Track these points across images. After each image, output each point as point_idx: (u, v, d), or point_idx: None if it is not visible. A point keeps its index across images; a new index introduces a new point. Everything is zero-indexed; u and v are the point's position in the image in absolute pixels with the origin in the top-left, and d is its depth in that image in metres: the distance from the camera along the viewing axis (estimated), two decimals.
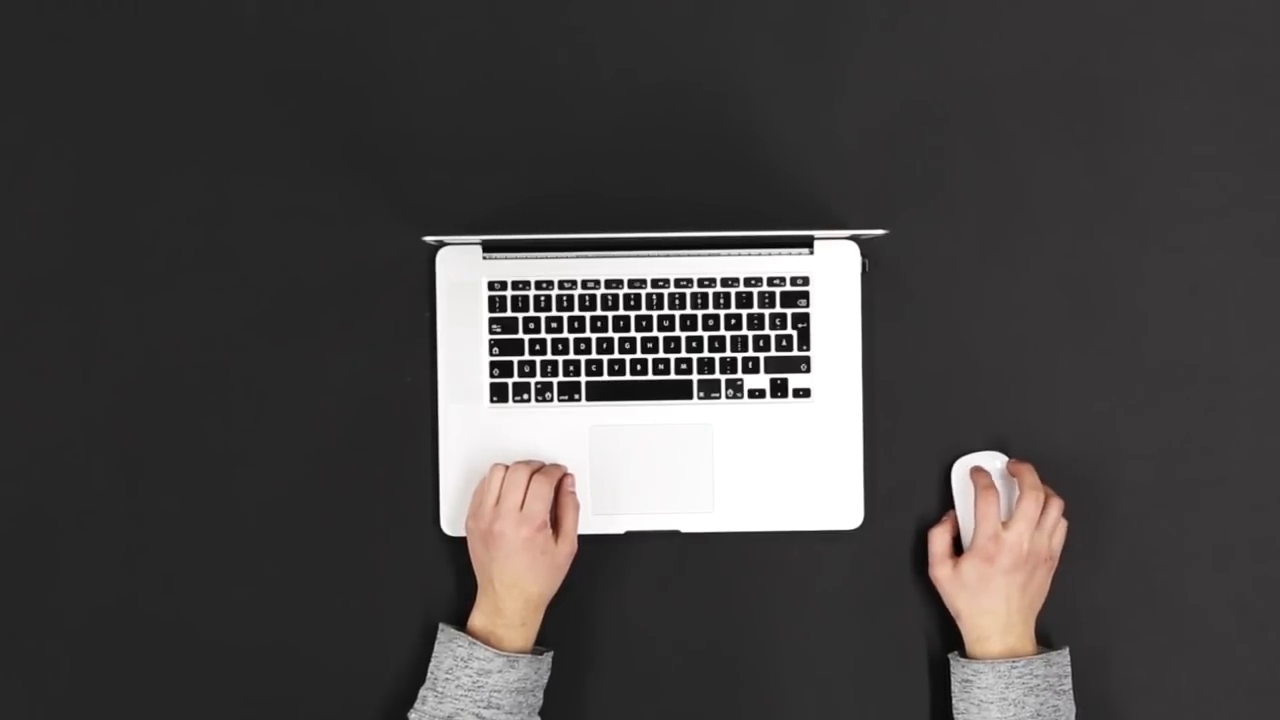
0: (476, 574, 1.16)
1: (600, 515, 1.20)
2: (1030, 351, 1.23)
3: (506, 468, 1.15)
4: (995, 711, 1.12)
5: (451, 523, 1.21)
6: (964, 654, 1.17)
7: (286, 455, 1.22)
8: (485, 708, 1.10)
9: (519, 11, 1.24)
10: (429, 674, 1.14)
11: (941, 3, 1.24)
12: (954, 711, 1.16)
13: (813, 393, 1.22)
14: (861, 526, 1.22)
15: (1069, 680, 1.16)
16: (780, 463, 1.21)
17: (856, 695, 1.22)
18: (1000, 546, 1.14)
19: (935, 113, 1.24)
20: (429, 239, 1.17)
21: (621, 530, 1.21)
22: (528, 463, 1.17)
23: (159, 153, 1.23)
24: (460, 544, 1.20)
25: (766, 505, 1.22)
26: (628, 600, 1.23)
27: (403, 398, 1.22)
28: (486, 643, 1.12)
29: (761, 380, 1.22)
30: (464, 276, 1.21)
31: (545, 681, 1.15)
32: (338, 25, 1.24)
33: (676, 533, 1.22)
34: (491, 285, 1.22)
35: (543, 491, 1.14)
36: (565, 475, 1.19)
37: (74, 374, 1.22)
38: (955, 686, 1.16)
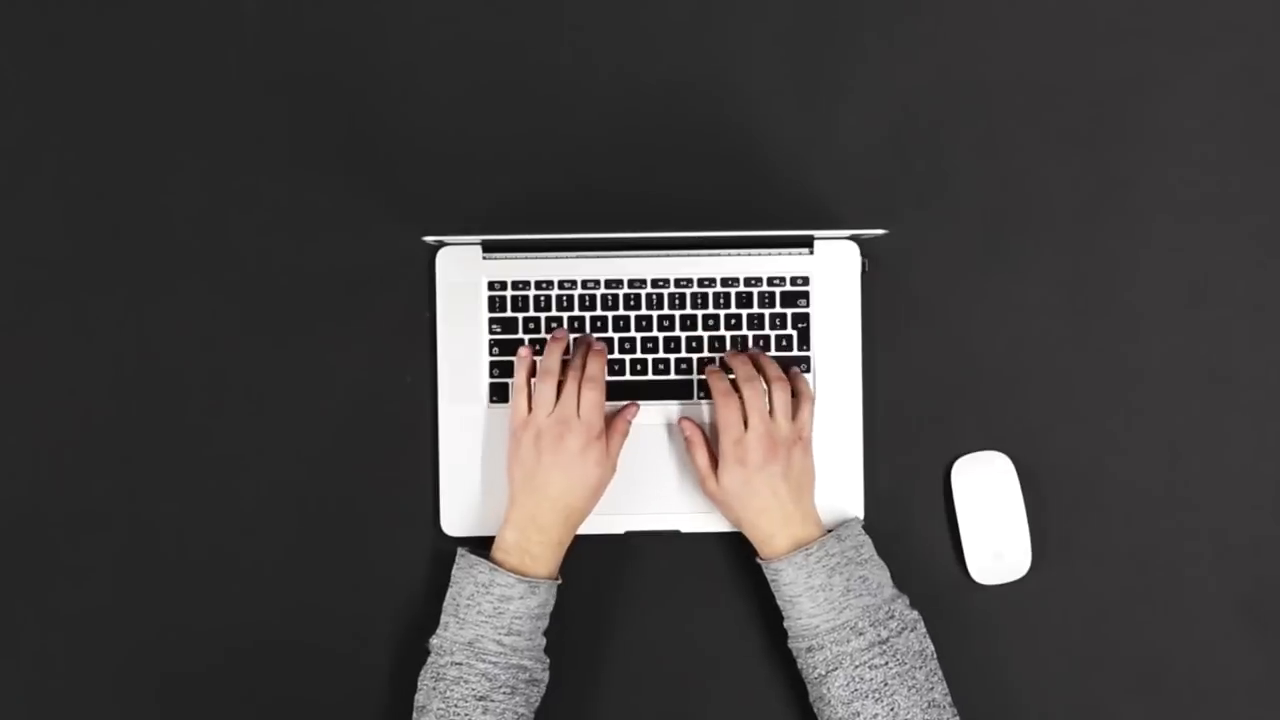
0: (514, 483, 1.14)
1: (600, 515, 1.20)
2: (1030, 351, 1.23)
3: (558, 372, 1.14)
4: (807, 602, 1.11)
5: (452, 523, 1.21)
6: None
7: (286, 455, 1.22)
8: (506, 634, 1.10)
9: (518, 11, 1.24)
10: (449, 598, 1.13)
11: (942, 3, 1.24)
12: (780, 609, 1.15)
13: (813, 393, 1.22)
14: (861, 526, 1.21)
15: (869, 548, 1.15)
16: None
17: None
18: (745, 448, 1.13)
19: (935, 113, 1.24)
20: (429, 239, 1.17)
21: (621, 530, 1.21)
22: (574, 362, 1.16)
23: (159, 153, 1.23)
24: (461, 544, 1.20)
25: None
26: (628, 600, 1.23)
27: (403, 398, 1.22)
28: (518, 563, 1.12)
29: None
30: (464, 276, 1.21)
31: (554, 604, 1.15)
32: (337, 25, 1.24)
33: (676, 533, 1.22)
34: (491, 285, 1.22)
35: (599, 400, 1.14)
36: (631, 405, 1.18)
37: (74, 374, 1.22)
38: (774, 590, 1.15)
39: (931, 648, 1.12)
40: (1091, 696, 1.22)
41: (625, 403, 1.19)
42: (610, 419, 1.17)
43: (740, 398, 1.15)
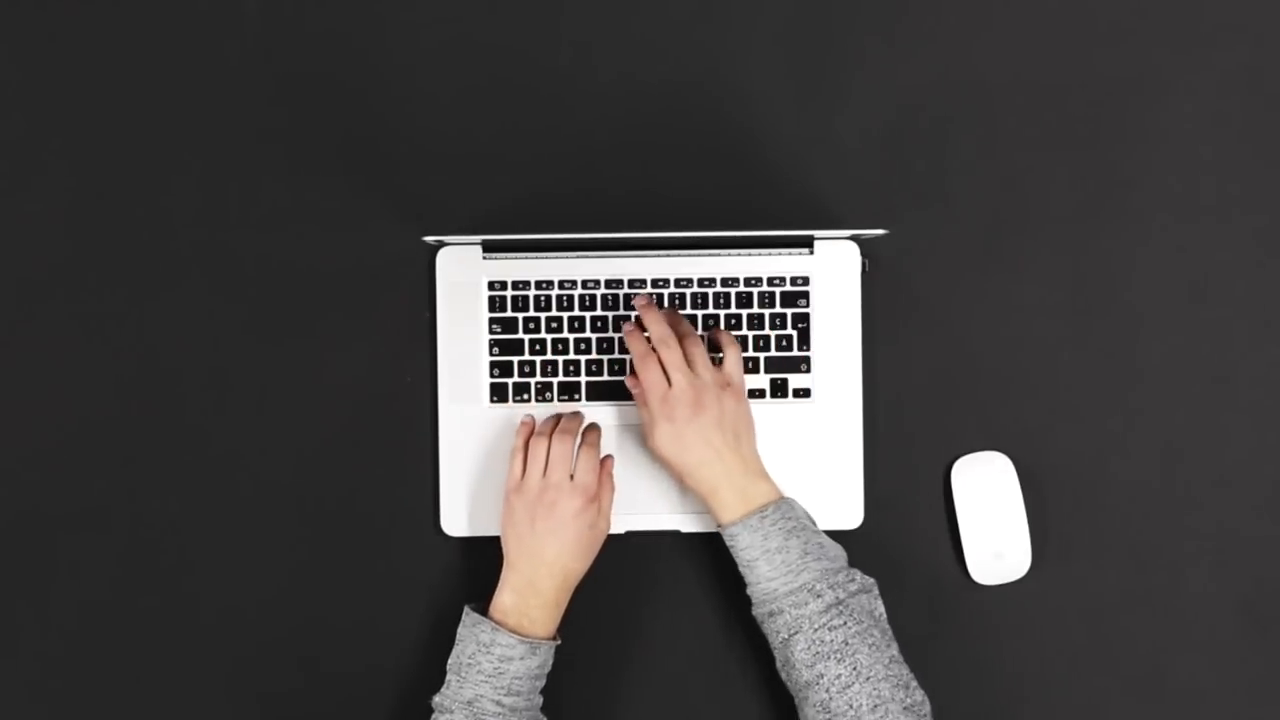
0: (510, 548, 1.14)
1: None
2: (1030, 351, 1.23)
3: (547, 436, 1.14)
4: (765, 565, 1.11)
5: (452, 523, 1.21)
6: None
7: (286, 455, 1.22)
8: (506, 694, 1.10)
9: (518, 12, 1.24)
10: (453, 656, 1.13)
11: (941, 3, 1.24)
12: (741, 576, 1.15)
13: (813, 393, 1.22)
14: (861, 526, 1.22)
15: (811, 519, 1.14)
16: (780, 463, 1.21)
17: None
18: (670, 404, 1.12)
19: (935, 113, 1.24)
20: (429, 239, 1.17)
21: (621, 530, 1.21)
22: (562, 429, 1.15)
23: (159, 153, 1.23)
24: (460, 544, 1.20)
25: None
26: (628, 600, 1.23)
27: (403, 398, 1.22)
28: (516, 625, 1.12)
29: (761, 380, 1.22)
30: (464, 276, 1.21)
31: (551, 665, 1.15)
32: (338, 25, 1.24)
33: (676, 533, 1.22)
34: (491, 285, 1.22)
35: (594, 463, 1.14)
36: (607, 458, 1.18)
37: (74, 374, 1.22)
38: (735, 557, 1.14)
39: (884, 612, 1.12)
40: (1091, 696, 1.22)
41: (596, 437, 1.18)
42: (599, 477, 1.16)
43: (659, 356, 1.14)
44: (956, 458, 1.23)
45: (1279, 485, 1.23)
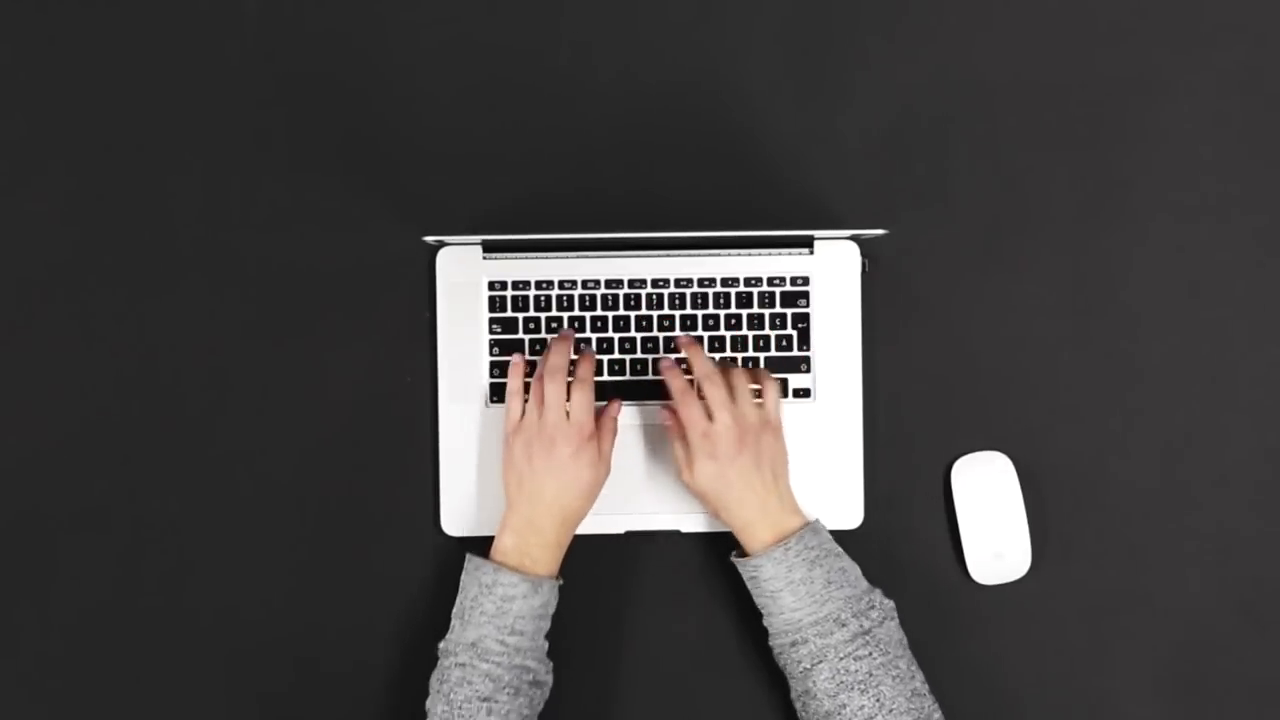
0: (510, 490, 1.15)
1: (600, 515, 1.20)
2: (1030, 351, 1.23)
3: (547, 377, 1.13)
4: (789, 596, 1.11)
5: (452, 523, 1.21)
6: (741, 553, 1.16)
7: (286, 455, 1.22)
8: (509, 634, 1.10)
9: (518, 12, 1.24)
10: (457, 602, 1.13)
11: (941, 3, 1.24)
12: (758, 608, 1.15)
13: (813, 393, 1.22)
14: (861, 526, 1.22)
15: (834, 541, 1.15)
16: None
17: None
18: (713, 441, 1.13)
19: (935, 113, 1.24)
20: (429, 239, 1.17)
21: (621, 530, 1.21)
22: (552, 368, 1.14)
23: (159, 153, 1.23)
24: (460, 544, 1.20)
25: None
26: (628, 600, 1.23)
27: (403, 398, 1.22)
28: (518, 565, 1.12)
29: None
30: (464, 276, 1.21)
31: (555, 606, 1.15)
32: (338, 25, 1.24)
33: (676, 533, 1.22)
34: (491, 285, 1.22)
35: (588, 402, 1.13)
36: (614, 401, 1.18)
37: (74, 374, 1.22)
38: (748, 586, 1.15)
39: (904, 636, 1.12)
40: (1091, 696, 1.22)
41: (607, 402, 1.18)
42: (598, 419, 1.16)
43: (701, 392, 1.14)
44: (956, 458, 1.23)
45: (1279, 485, 1.23)
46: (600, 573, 1.22)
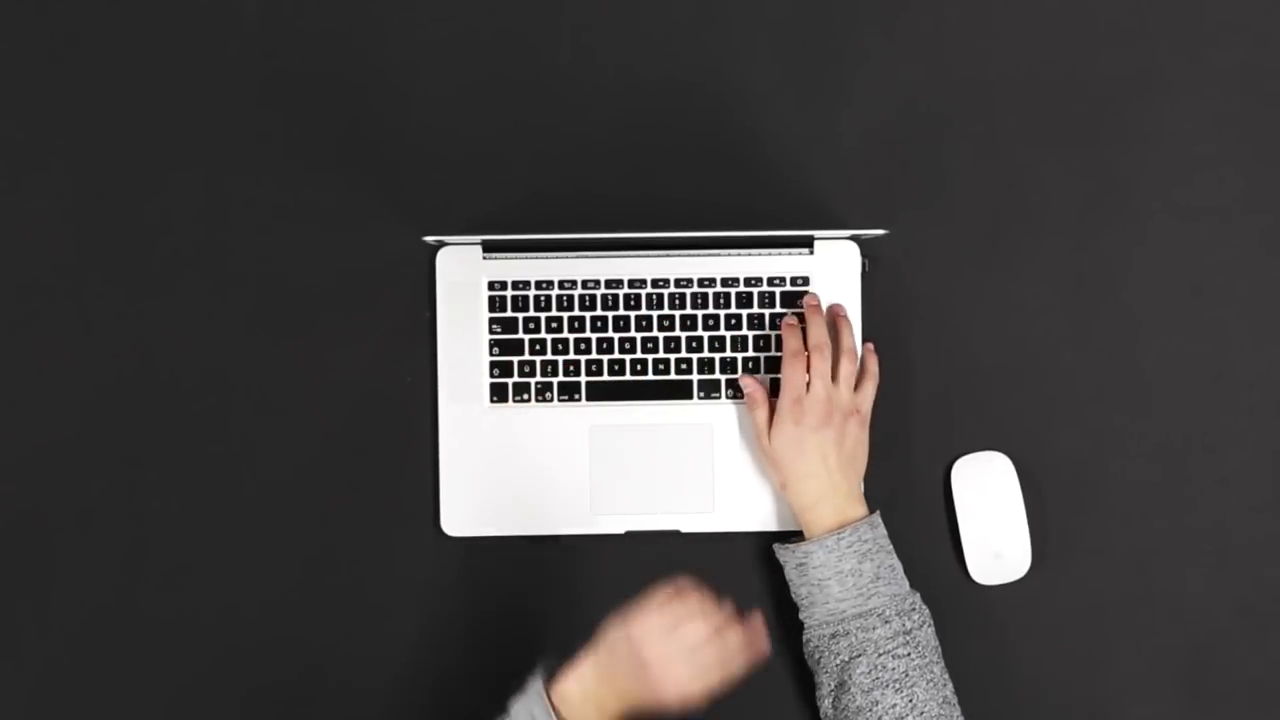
0: (607, 653, 1.06)
1: (600, 515, 1.20)
2: (1030, 351, 1.23)
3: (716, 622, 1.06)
4: (835, 586, 1.11)
5: (452, 523, 1.21)
6: (788, 541, 1.15)
7: (286, 455, 1.22)
8: None
9: (519, 11, 1.24)
10: (510, 710, 1.06)
11: (941, 3, 1.24)
12: (794, 599, 1.14)
13: None
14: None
15: (888, 539, 1.15)
16: None
17: None
18: (802, 408, 1.13)
19: (935, 113, 1.24)
20: (429, 239, 1.17)
21: (621, 530, 1.21)
22: (708, 611, 1.07)
23: (159, 153, 1.23)
24: (460, 544, 1.20)
25: (766, 505, 1.22)
26: (628, 600, 1.22)
27: (403, 398, 1.22)
28: (563, 711, 1.03)
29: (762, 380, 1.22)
30: (464, 276, 1.21)
31: None
32: (337, 25, 1.24)
33: (676, 533, 1.22)
34: (491, 285, 1.22)
35: (718, 661, 1.06)
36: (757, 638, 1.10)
37: (74, 374, 1.22)
38: (791, 574, 1.15)
39: (940, 645, 1.13)
40: (1091, 696, 1.22)
41: (750, 648, 1.09)
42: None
43: (808, 359, 1.15)
44: (956, 458, 1.23)
45: (1279, 485, 1.23)
46: (600, 573, 1.22)
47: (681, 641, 1.05)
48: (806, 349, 1.16)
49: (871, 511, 1.15)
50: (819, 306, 1.19)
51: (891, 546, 1.14)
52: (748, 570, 1.22)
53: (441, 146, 1.23)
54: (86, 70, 1.23)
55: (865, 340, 1.22)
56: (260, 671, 1.22)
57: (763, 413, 1.17)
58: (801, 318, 1.19)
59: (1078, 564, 1.22)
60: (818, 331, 1.16)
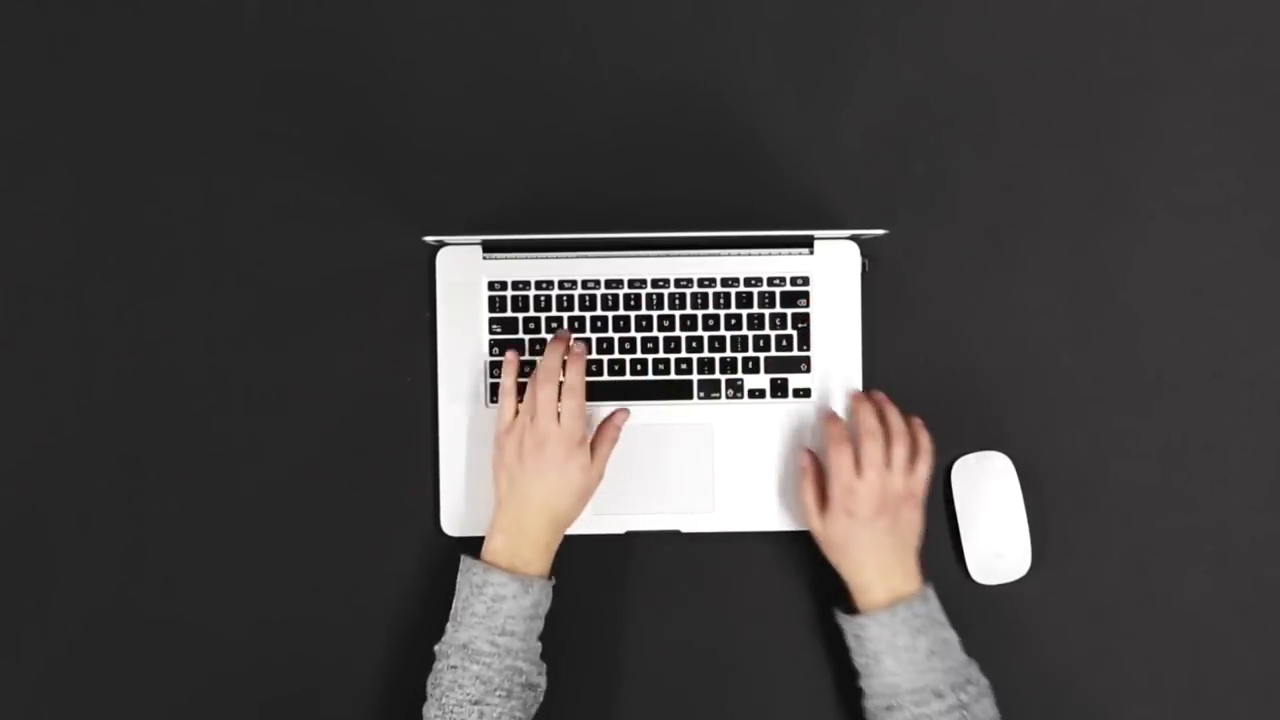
0: (500, 490, 1.15)
1: (600, 515, 1.20)
2: (1030, 351, 1.23)
3: (541, 381, 1.13)
4: (890, 660, 1.11)
5: (452, 523, 1.21)
6: (850, 610, 1.16)
7: (286, 455, 1.22)
8: (500, 634, 1.10)
9: (519, 11, 1.24)
10: (453, 605, 1.13)
11: (941, 3, 1.24)
12: (855, 666, 1.15)
13: (813, 393, 1.22)
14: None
15: (942, 610, 1.15)
16: (780, 463, 1.21)
17: (855, 695, 1.22)
18: (855, 498, 1.13)
19: (935, 113, 1.24)
20: (429, 239, 1.17)
21: (621, 530, 1.21)
22: (545, 370, 1.14)
23: (159, 153, 1.23)
24: (460, 544, 1.20)
25: (766, 505, 1.22)
26: (628, 600, 1.23)
27: (403, 398, 1.22)
28: (509, 566, 1.12)
29: (762, 380, 1.22)
30: (464, 276, 1.21)
31: (548, 607, 1.15)
32: (338, 25, 1.24)
33: (676, 533, 1.22)
34: (491, 285, 1.22)
35: (577, 408, 1.13)
36: (620, 411, 1.18)
37: (74, 374, 1.22)
38: (850, 643, 1.15)
39: (999, 715, 1.13)
40: (1091, 696, 1.22)
41: (614, 408, 1.18)
42: (601, 425, 1.17)
43: (856, 445, 1.15)
44: (956, 458, 1.23)
45: (1279, 485, 1.23)
46: (600, 573, 1.22)
47: (539, 425, 1.13)
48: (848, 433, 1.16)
49: (925, 583, 1.15)
50: (864, 396, 1.19)
51: (945, 619, 1.14)
52: (748, 570, 1.22)
53: (441, 146, 1.23)
54: (86, 70, 1.23)
55: (864, 340, 1.22)
56: (260, 671, 1.22)
57: (810, 492, 1.17)
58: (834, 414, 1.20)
59: (1078, 564, 1.22)
60: (867, 418, 1.16)
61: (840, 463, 1.14)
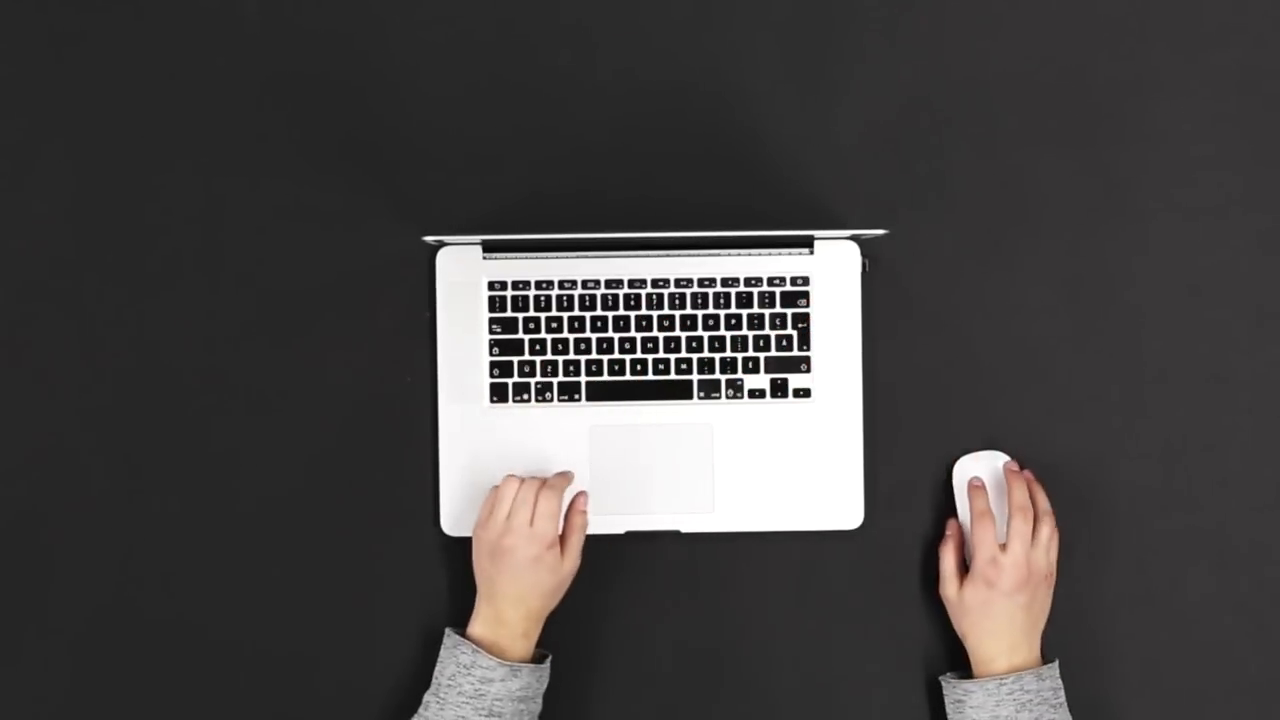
0: (479, 582, 1.15)
1: (600, 515, 1.20)
2: (1030, 351, 1.23)
3: (520, 481, 1.14)
4: None
5: (452, 523, 1.21)
6: (960, 675, 1.17)
7: (286, 455, 1.22)
8: (487, 716, 1.10)
9: (519, 11, 1.24)
10: (434, 678, 1.13)
11: (942, 3, 1.24)
12: None
13: (813, 393, 1.22)
14: (861, 527, 1.22)
15: (1063, 694, 1.15)
16: (780, 463, 1.21)
17: (855, 696, 1.22)
18: (999, 570, 1.14)
19: (935, 113, 1.24)
20: (429, 239, 1.17)
21: (621, 530, 1.21)
22: (539, 478, 1.15)
23: (159, 153, 1.23)
24: (460, 544, 1.20)
25: (766, 505, 1.22)
26: (628, 600, 1.23)
27: (403, 398, 1.22)
28: (492, 650, 1.12)
29: (761, 380, 1.22)
30: (464, 276, 1.21)
31: (545, 686, 1.15)
32: (338, 25, 1.24)
33: (676, 533, 1.22)
34: (491, 285, 1.22)
35: (552, 510, 1.12)
36: (580, 494, 1.18)
37: (74, 374, 1.22)
38: (949, 708, 1.16)
39: None
40: (1092, 696, 1.22)
41: (566, 482, 1.17)
42: (568, 517, 1.16)
43: (993, 518, 1.17)
44: (956, 458, 1.22)
45: (1279, 485, 1.23)
46: (600, 573, 1.22)
47: (511, 528, 1.12)
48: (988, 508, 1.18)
49: (1047, 662, 1.16)
50: (1019, 471, 1.20)
51: (1063, 700, 1.14)
52: (748, 570, 1.22)
53: (441, 146, 1.23)
54: (86, 70, 1.23)
55: (864, 340, 1.22)
56: (259, 671, 1.22)
57: (951, 558, 1.18)
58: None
59: (1078, 564, 1.22)
60: (1020, 494, 1.17)
61: (984, 537, 1.16)
